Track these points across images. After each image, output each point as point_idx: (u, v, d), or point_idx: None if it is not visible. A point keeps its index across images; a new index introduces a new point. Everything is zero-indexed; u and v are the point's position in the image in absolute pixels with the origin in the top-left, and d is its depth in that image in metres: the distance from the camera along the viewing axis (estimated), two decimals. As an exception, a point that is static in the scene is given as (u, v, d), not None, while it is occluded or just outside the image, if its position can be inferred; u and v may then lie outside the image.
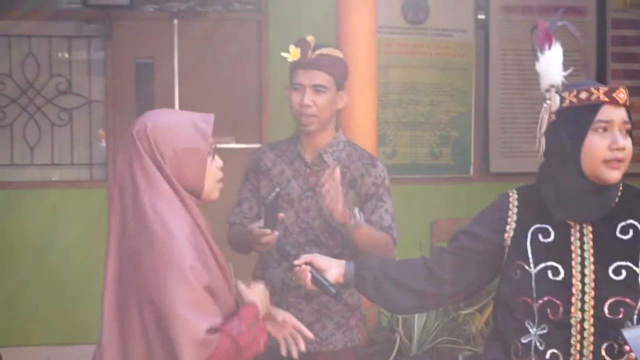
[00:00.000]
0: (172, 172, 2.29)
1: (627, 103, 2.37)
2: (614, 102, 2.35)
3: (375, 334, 3.83)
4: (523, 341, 2.40)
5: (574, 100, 2.38)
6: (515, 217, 2.47)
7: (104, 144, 6.24)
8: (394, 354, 3.68)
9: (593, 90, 2.36)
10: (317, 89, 3.18)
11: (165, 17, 6.21)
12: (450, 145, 6.43)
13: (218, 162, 2.43)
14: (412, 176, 6.31)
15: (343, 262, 2.68)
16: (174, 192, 2.28)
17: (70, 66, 6.25)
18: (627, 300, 2.33)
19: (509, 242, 2.46)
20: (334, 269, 2.65)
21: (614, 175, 2.36)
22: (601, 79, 6.49)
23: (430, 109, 6.38)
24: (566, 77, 2.43)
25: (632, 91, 6.60)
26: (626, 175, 2.41)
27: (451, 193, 6.16)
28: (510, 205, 2.49)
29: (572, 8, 6.52)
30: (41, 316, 5.89)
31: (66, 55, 6.26)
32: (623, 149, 2.34)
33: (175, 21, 6.24)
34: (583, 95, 2.36)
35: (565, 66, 2.45)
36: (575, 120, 2.37)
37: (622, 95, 2.36)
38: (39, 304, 5.92)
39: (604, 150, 2.34)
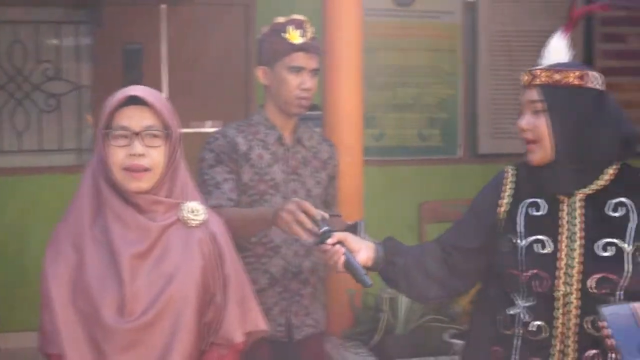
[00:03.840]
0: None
1: (537, 82, 2.42)
2: (531, 85, 2.45)
3: (362, 313, 3.85)
4: (510, 312, 2.44)
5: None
6: (509, 192, 2.52)
7: (92, 129, 6.25)
8: (380, 332, 3.69)
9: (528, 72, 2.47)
10: (315, 72, 3.15)
11: (153, 2, 6.20)
12: (438, 127, 6.44)
13: (134, 148, 2.29)
14: (400, 158, 6.33)
15: (372, 245, 2.60)
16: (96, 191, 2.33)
17: (58, 52, 6.25)
18: (613, 276, 2.35)
19: (502, 216, 2.50)
20: (363, 252, 2.56)
21: (529, 157, 2.46)
22: (588, 59, 6.50)
23: (418, 91, 6.39)
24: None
25: (619, 71, 6.72)
26: None
27: (439, 174, 6.19)
28: (505, 181, 2.54)
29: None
30: (25, 303, 5.89)
31: (54, 41, 6.26)
32: (522, 129, 2.45)
33: (163, 6, 6.23)
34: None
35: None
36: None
37: (526, 77, 2.46)
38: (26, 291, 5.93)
39: (519, 131, 2.48)
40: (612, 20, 6.64)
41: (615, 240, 2.37)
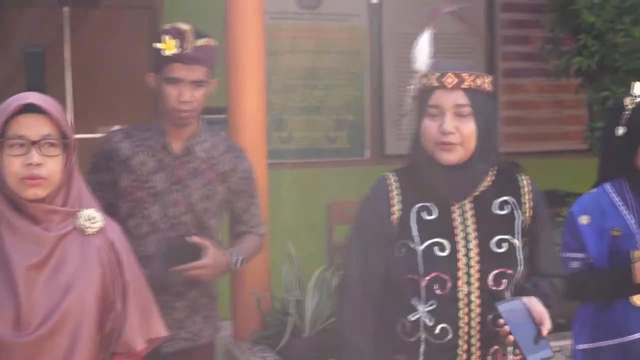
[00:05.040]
0: None
1: (464, 86, 2.42)
2: (444, 87, 2.42)
3: (269, 316, 3.85)
4: (411, 319, 2.45)
5: (419, 85, 2.49)
6: (398, 198, 2.50)
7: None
8: (287, 335, 3.70)
9: (429, 75, 2.45)
10: (197, 83, 3.02)
11: (55, 5, 6.08)
12: (346, 129, 6.48)
13: (31, 157, 2.23)
14: (309, 160, 6.33)
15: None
16: None
17: (-44, 56, 6.09)
18: (509, 271, 2.44)
19: (396, 223, 2.49)
20: None
21: (446, 156, 2.43)
22: (491, 61, 6.63)
23: (325, 93, 6.41)
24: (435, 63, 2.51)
25: (523, 73, 6.86)
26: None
27: (347, 176, 6.22)
28: (390, 188, 2.51)
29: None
30: None
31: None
32: (450, 133, 2.41)
33: (66, 9, 6.12)
34: (424, 80, 2.47)
35: (448, 51, 2.53)
36: (418, 104, 2.49)
37: (450, 80, 2.43)
38: None
39: (434, 133, 2.43)
40: (514, 23, 6.79)
41: (506, 237, 2.46)
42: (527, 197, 2.53)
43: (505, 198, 2.50)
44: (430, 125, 2.44)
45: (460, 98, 2.42)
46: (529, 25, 6.54)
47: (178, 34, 3.01)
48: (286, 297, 3.76)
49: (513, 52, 6.83)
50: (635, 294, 3.02)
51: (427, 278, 2.43)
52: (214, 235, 3.16)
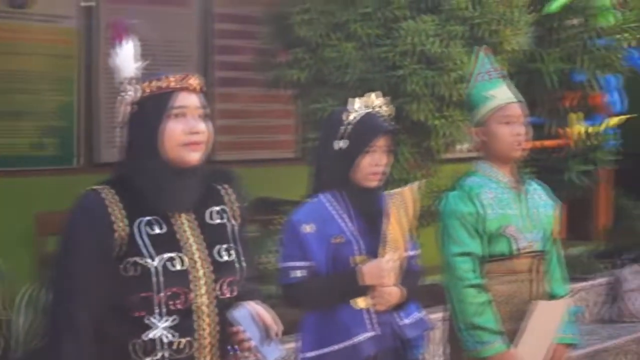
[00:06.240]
0: None
1: (202, 89, 2.50)
2: (187, 89, 2.46)
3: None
4: (146, 338, 2.38)
5: (150, 89, 2.46)
6: (121, 214, 2.40)
7: None
8: (-2, 357, 3.48)
9: (167, 79, 2.46)
10: None
11: None
12: (54, 135, 6.20)
13: None
14: (12, 169, 5.98)
15: None
16: None
17: None
18: (235, 278, 2.49)
19: (121, 240, 2.39)
20: None
21: (193, 156, 2.45)
22: (205, 70, 6.64)
23: (33, 97, 6.10)
24: (144, 69, 2.52)
25: (236, 82, 6.96)
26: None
27: (56, 185, 5.95)
28: (107, 203, 2.40)
29: (175, 0, 6.61)
30: None
31: None
32: (198, 132, 2.45)
33: None
34: (158, 84, 2.46)
35: (162, 58, 2.50)
36: (153, 109, 2.44)
37: (192, 81, 2.48)
38: None
39: (180, 134, 2.43)
40: (230, 33, 6.85)
41: (226, 245, 2.51)
42: (234, 205, 2.58)
43: (216, 208, 2.54)
44: (174, 127, 2.42)
45: (201, 100, 2.48)
46: (245, 36, 6.62)
47: None
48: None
49: (228, 62, 6.90)
50: (357, 297, 3.14)
51: (163, 294, 2.38)
52: None
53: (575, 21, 6.63)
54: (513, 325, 3.44)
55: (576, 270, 6.84)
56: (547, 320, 3.48)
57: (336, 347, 3.12)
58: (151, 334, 2.39)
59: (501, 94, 3.57)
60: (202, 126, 2.45)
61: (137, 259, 2.39)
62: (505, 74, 3.76)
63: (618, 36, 6.61)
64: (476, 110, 3.59)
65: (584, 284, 7.05)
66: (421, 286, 3.37)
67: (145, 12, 6.09)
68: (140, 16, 6.24)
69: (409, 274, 3.25)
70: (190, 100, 2.45)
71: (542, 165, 6.16)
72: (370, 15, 5.23)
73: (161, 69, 2.53)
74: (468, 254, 3.43)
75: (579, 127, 6.62)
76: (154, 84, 2.46)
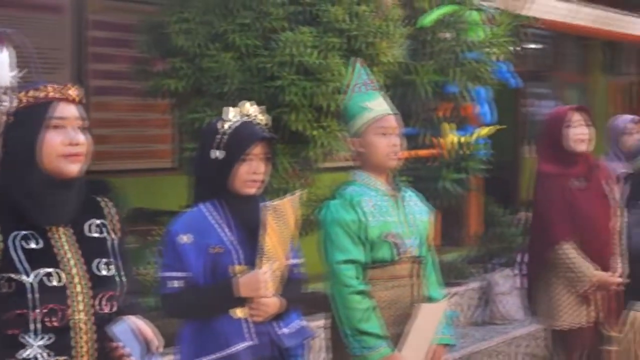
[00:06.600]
0: None
1: (82, 101, 2.47)
2: (66, 100, 2.43)
3: None
4: (20, 357, 2.32)
5: (28, 99, 2.42)
6: None
7: None
8: None
9: (45, 88, 2.42)
10: None
11: None
12: None
13: None
14: None
15: None
16: None
17: None
18: (115, 293, 2.45)
19: None
20: None
21: (73, 168, 2.42)
22: (79, 78, 6.51)
23: None
24: (21, 78, 2.44)
25: (112, 91, 6.82)
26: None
27: None
28: None
29: (47, 6, 6.46)
30: None
31: None
32: (78, 144, 2.42)
33: None
34: (36, 94, 2.42)
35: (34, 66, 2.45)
36: (31, 119, 2.40)
37: (71, 92, 2.45)
38: None
39: (59, 145, 2.40)
40: (103, 41, 6.74)
41: (105, 259, 2.47)
42: (114, 218, 2.55)
43: (95, 221, 2.51)
44: (53, 138, 2.39)
45: (80, 111, 2.45)
46: (120, 44, 6.53)
47: None
48: None
49: (103, 70, 6.77)
50: (235, 307, 3.12)
51: (38, 311, 2.33)
52: None
53: (447, 35, 6.85)
54: (396, 329, 3.54)
55: (450, 275, 7.05)
56: (428, 323, 3.59)
57: (213, 356, 3.09)
58: (25, 354, 2.33)
59: (377, 106, 3.66)
60: (82, 138, 2.42)
61: (12, 275, 2.33)
62: (380, 86, 3.85)
63: (487, 50, 6.85)
64: (353, 121, 3.67)
65: (458, 288, 7.26)
66: (304, 294, 3.40)
67: (16, 18, 5.93)
68: (11, 23, 6.12)
69: (290, 283, 3.26)
70: (69, 111, 2.42)
71: (417, 175, 6.31)
72: (249, 26, 5.24)
73: (34, 77, 2.47)
74: (352, 261, 3.50)
75: (451, 137, 6.82)
76: (32, 93, 2.41)
